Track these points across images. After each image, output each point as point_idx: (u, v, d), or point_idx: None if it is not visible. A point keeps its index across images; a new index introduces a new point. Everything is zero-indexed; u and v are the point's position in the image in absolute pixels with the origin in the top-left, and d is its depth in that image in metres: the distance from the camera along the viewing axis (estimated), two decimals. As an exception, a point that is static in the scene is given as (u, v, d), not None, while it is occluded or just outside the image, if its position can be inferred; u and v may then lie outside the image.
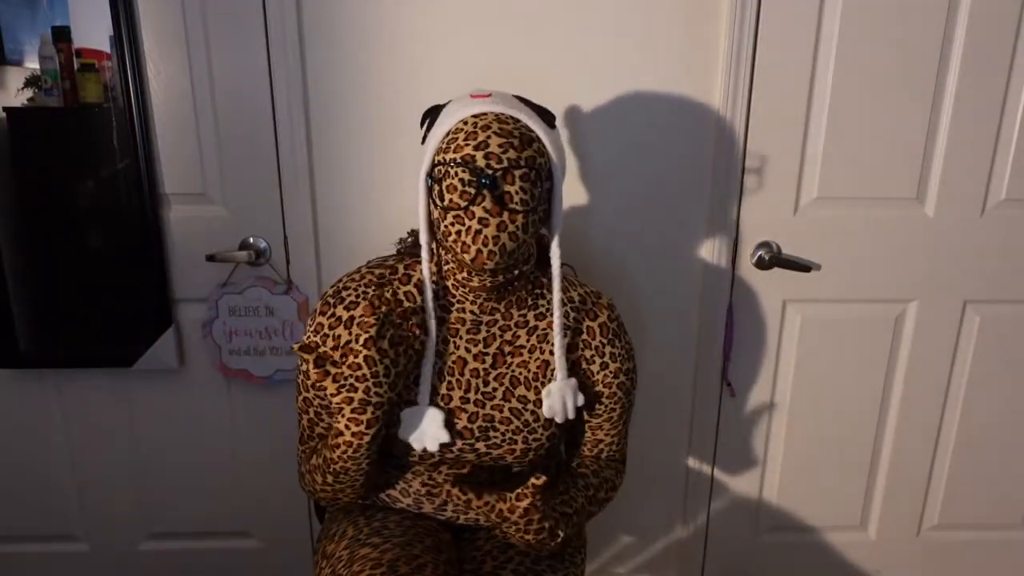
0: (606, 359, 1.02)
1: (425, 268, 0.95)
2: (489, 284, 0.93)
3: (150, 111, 1.32)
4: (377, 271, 0.99)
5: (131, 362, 1.43)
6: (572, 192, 1.39)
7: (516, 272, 0.95)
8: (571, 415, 0.98)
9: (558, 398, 0.97)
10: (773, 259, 1.41)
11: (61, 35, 1.31)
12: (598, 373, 1.02)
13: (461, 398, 0.97)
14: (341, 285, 0.98)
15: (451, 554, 1.01)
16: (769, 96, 1.33)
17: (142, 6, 1.27)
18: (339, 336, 0.95)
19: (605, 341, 1.02)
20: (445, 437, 0.94)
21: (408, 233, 1.05)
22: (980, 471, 1.60)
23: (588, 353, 1.01)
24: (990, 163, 1.38)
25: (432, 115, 0.96)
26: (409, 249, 1.03)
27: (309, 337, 0.97)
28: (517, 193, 0.86)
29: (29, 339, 1.43)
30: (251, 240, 1.39)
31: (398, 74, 1.32)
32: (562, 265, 1.01)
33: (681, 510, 1.62)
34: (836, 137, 1.35)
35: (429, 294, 0.94)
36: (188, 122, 1.33)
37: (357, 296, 0.96)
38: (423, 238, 0.95)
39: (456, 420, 0.97)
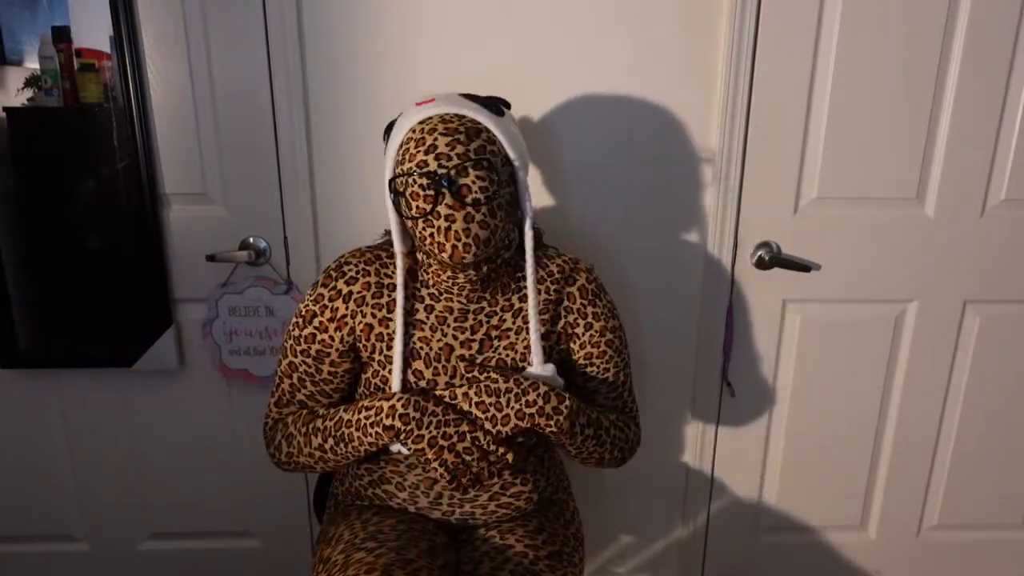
0: (589, 319, 1.05)
1: (399, 274, 0.99)
2: (475, 278, 0.97)
3: (150, 111, 1.32)
4: (376, 250, 1.04)
5: (131, 362, 1.43)
6: (573, 192, 1.39)
7: (499, 261, 0.98)
8: None
9: None
10: (773, 259, 1.41)
11: (61, 35, 1.31)
12: (584, 335, 1.05)
13: (447, 383, 1.00)
14: (343, 260, 1.03)
15: (448, 557, 1.01)
16: (769, 96, 1.33)
17: (142, 6, 1.27)
18: (336, 308, 1.00)
19: (586, 302, 1.05)
20: (407, 449, 0.94)
21: (384, 232, 1.08)
22: (980, 471, 1.60)
23: (571, 318, 1.04)
24: (990, 163, 1.38)
25: (389, 132, 1.00)
26: (390, 247, 1.06)
27: (307, 306, 1.01)
28: (475, 183, 0.90)
29: (29, 339, 1.43)
30: (251, 240, 1.39)
31: (398, 74, 1.32)
32: (542, 246, 1.06)
33: (681, 510, 1.62)
34: (836, 137, 1.35)
35: (401, 302, 0.98)
36: (188, 122, 1.33)
37: (357, 272, 1.01)
38: (397, 247, 1.00)
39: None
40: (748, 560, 1.65)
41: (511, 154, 0.96)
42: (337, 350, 1.01)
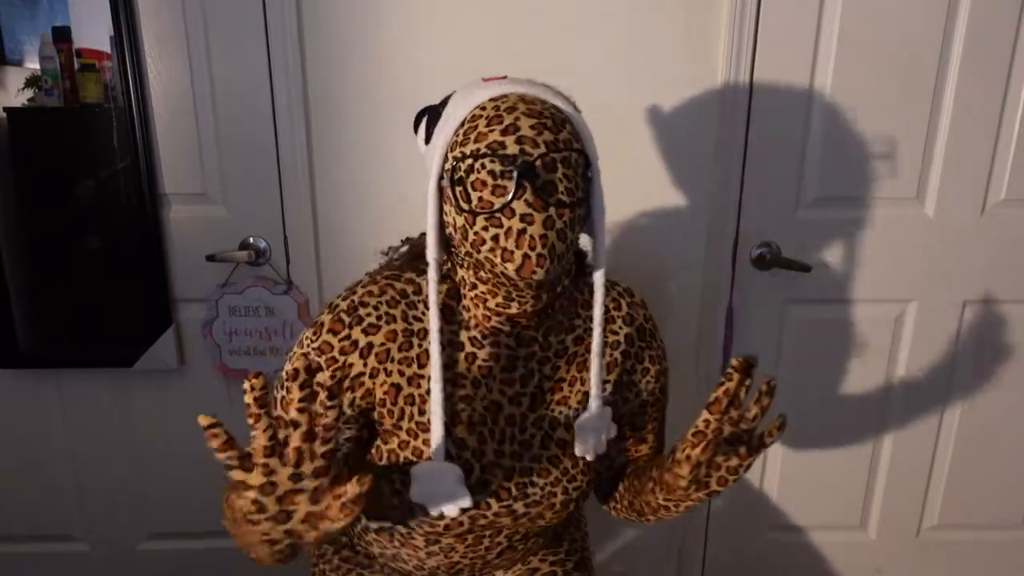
0: (646, 364, 0.90)
1: (432, 290, 0.76)
2: (531, 308, 0.77)
3: (150, 111, 1.32)
4: (398, 286, 0.81)
5: (131, 362, 1.43)
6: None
7: (559, 289, 0.79)
8: (602, 450, 0.84)
9: (591, 432, 0.82)
10: (773, 259, 1.41)
11: (61, 35, 1.31)
12: (641, 381, 0.90)
13: (496, 451, 0.81)
14: (358, 300, 0.79)
15: None
16: (769, 96, 1.33)
17: (142, 6, 1.27)
18: (351, 365, 0.78)
19: (644, 344, 0.90)
20: (467, 501, 0.76)
21: (402, 241, 0.88)
22: (980, 471, 1.60)
23: (629, 364, 0.88)
24: (990, 163, 1.38)
25: (429, 114, 0.82)
26: (408, 263, 0.86)
27: (308, 356, 0.79)
28: (561, 181, 0.71)
29: (29, 339, 1.43)
30: (251, 240, 1.39)
31: (398, 73, 1.32)
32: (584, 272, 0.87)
33: (681, 510, 1.62)
34: (836, 137, 1.35)
35: (435, 322, 0.76)
36: (188, 122, 1.33)
37: (379, 317, 0.79)
38: (432, 254, 0.77)
39: (490, 478, 0.81)
40: (748, 560, 1.65)
41: (591, 154, 0.77)
42: (343, 414, 0.79)
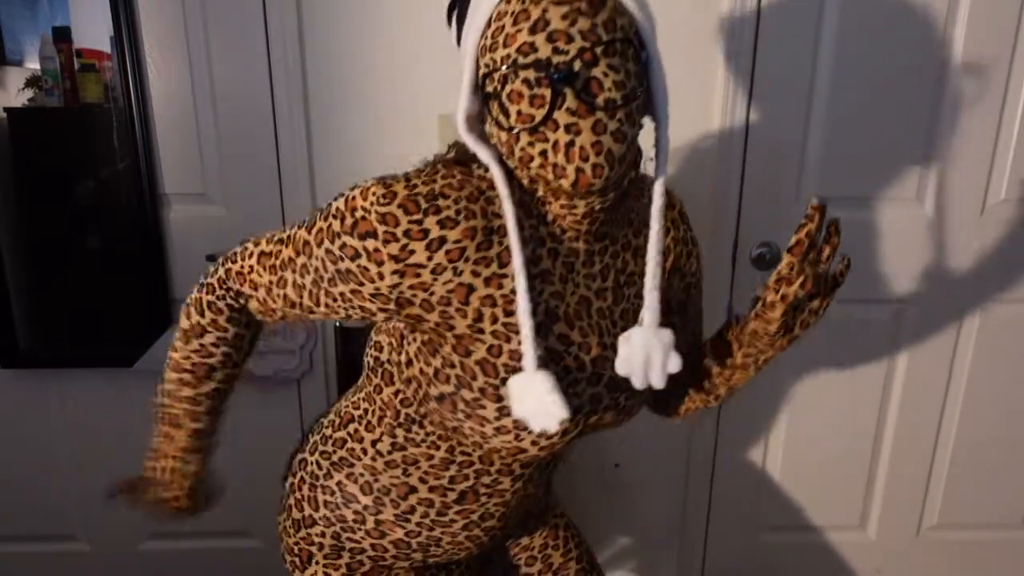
0: (690, 246, 0.86)
1: (502, 187, 0.69)
2: (599, 205, 0.71)
3: (150, 111, 1.32)
4: (475, 181, 0.71)
5: (131, 362, 1.43)
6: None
7: (626, 182, 0.73)
8: (656, 383, 0.73)
9: (640, 351, 0.72)
10: (773, 259, 1.41)
11: (61, 35, 1.31)
12: (686, 264, 0.86)
13: (600, 344, 0.77)
14: (438, 189, 0.68)
15: None
16: (769, 96, 1.33)
17: (142, 6, 1.27)
18: (411, 251, 0.67)
19: (687, 227, 0.86)
20: (563, 411, 0.68)
21: (449, 147, 0.77)
22: (980, 471, 1.60)
23: (679, 248, 0.85)
24: (990, 163, 1.38)
25: (460, 5, 0.73)
26: (460, 160, 0.75)
27: (365, 216, 0.67)
28: (607, 76, 0.63)
29: (29, 339, 1.43)
30: (251, 240, 1.39)
31: (398, 73, 1.32)
32: None
33: (681, 510, 1.62)
34: (836, 137, 1.35)
35: (512, 221, 0.68)
36: (188, 122, 1.33)
37: (458, 212, 0.68)
38: (487, 154, 0.70)
39: (601, 371, 0.77)
40: (748, 560, 1.65)
41: (645, 31, 0.67)
42: (375, 291, 0.70)
